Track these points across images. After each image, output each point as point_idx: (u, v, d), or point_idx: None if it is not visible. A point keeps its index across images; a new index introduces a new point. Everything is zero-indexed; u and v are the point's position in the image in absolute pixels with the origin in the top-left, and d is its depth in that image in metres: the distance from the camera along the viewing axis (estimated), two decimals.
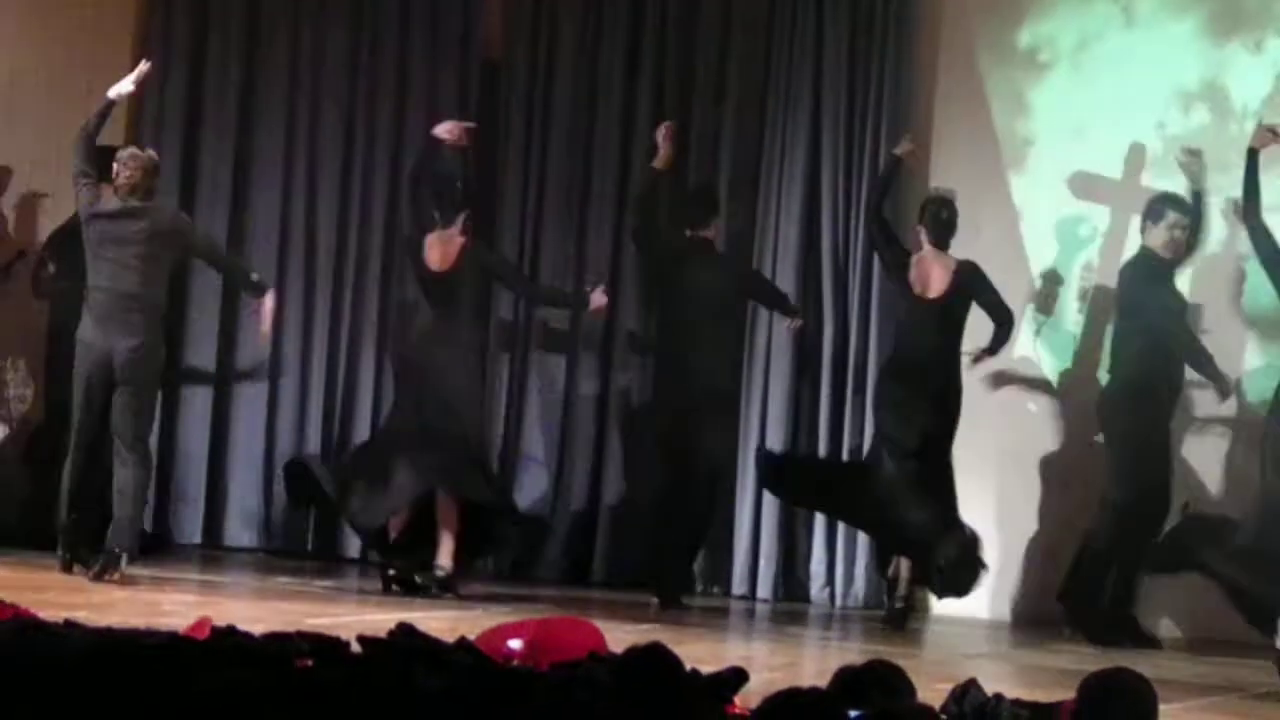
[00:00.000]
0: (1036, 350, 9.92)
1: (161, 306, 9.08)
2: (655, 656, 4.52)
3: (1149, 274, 9.14)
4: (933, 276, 9.23)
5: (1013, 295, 9.87)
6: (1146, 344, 9.04)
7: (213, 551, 10.83)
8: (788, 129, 10.30)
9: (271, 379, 10.99)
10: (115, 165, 8.98)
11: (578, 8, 10.83)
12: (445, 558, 9.25)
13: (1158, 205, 9.18)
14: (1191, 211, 9.15)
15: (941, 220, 9.26)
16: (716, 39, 10.56)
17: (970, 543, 9.05)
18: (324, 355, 10.99)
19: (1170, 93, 9.75)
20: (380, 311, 10.94)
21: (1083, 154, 9.61)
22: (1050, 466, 9.83)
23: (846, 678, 4.70)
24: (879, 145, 10.07)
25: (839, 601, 10.06)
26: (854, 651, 7.64)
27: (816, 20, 10.32)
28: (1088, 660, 7.54)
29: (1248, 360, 9.55)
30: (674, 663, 4.52)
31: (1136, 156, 9.77)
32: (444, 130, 9.57)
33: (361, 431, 10.86)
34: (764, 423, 10.18)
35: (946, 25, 10.23)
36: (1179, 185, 9.46)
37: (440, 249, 9.46)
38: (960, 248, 9.36)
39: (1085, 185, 9.59)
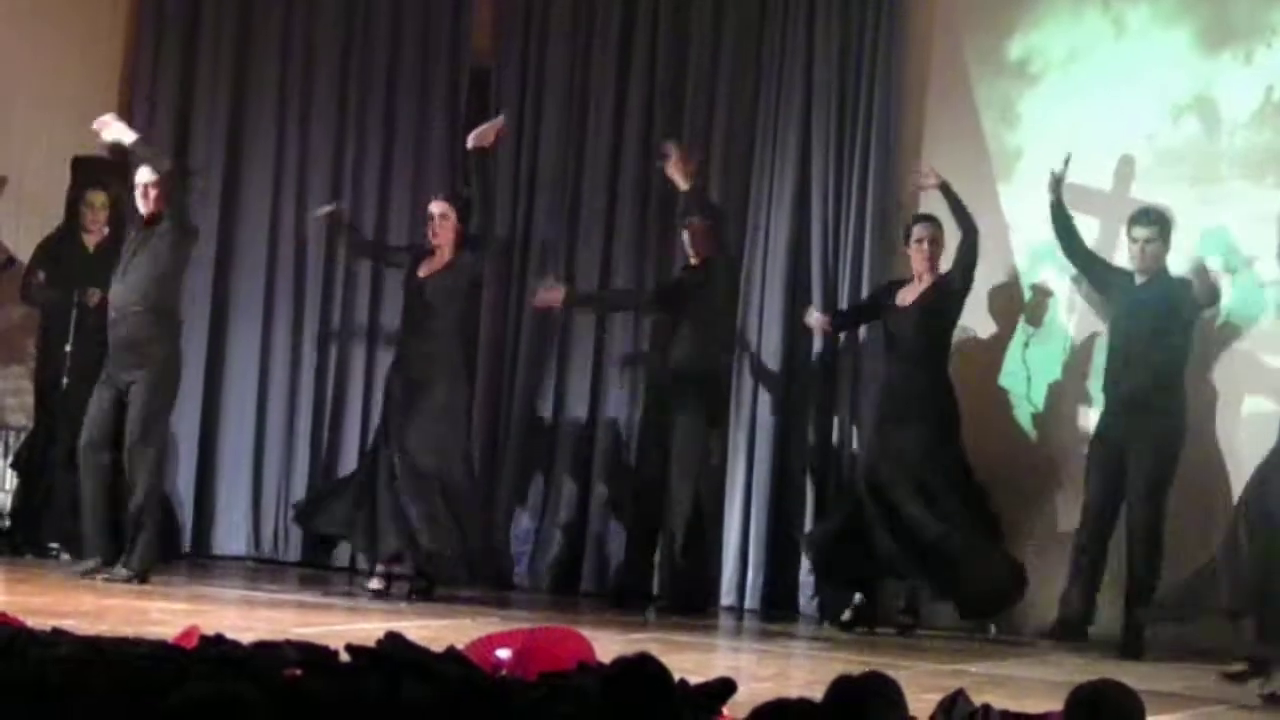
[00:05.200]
0: (1025, 362, 9.91)
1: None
2: (644, 667, 4.52)
3: (1120, 286, 9.34)
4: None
5: (1002, 307, 9.90)
6: (1113, 353, 9.29)
7: (201, 560, 10.81)
8: (778, 139, 10.30)
9: (260, 387, 10.98)
10: None
11: (568, 11, 10.84)
12: None
13: (1130, 220, 9.35)
14: (1160, 223, 9.24)
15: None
16: (708, 46, 10.55)
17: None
18: (313, 361, 10.99)
19: (1160, 104, 9.76)
20: (370, 318, 10.93)
21: (1073, 165, 9.60)
22: (1042, 476, 9.81)
23: (842, 689, 4.70)
24: (869, 155, 10.09)
25: (827, 613, 10.01)
26: (842, 662, 7.63)
27: (808, 28, 10.31)
28: (1076, 671, 7.53)
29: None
30: (662, 673, 4.51)
31: (1126, 168, 9.78)
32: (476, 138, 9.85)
33: (350, 439, 10.85)
34: (753, 429, 10.17)
35: (937, 36, 10.23)
36: (1168, 197, 9.50)
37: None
38: (950, 258, 9.60)
39: (1075, 196, 9.58)
